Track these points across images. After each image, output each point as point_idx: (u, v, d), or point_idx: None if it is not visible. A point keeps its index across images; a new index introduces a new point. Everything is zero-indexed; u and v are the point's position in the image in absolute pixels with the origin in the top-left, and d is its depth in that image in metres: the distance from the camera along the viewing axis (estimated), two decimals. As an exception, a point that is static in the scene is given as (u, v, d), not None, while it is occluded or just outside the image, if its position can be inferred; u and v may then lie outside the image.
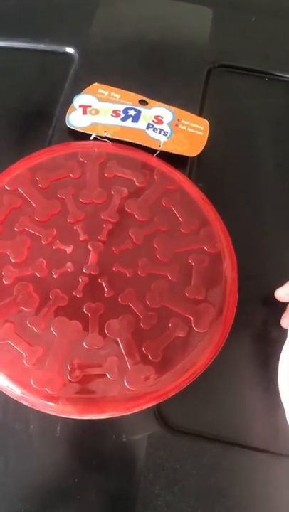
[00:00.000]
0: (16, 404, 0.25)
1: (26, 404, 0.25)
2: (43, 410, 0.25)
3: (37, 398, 0.24)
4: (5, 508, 0.24)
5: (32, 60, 0.37)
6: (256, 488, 0.25)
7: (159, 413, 0.26)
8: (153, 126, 0.32)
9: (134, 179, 0.29)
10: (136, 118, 0.32)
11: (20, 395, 0.24)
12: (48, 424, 0.25)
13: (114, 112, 0.33)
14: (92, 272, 0.27)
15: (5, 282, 0.26)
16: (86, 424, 0.26)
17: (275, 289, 0.28)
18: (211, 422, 0.26)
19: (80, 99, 0.33)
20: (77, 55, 0.37)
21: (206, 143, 0.32)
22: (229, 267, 0.28)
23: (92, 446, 0.26)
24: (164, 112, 0.33)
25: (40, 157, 0.30)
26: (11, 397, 0.25)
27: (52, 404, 0.24)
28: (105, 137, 0.31)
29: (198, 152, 0.32)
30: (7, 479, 0.25)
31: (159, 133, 0.32)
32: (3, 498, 0.24)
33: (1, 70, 0.36)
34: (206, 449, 0.26)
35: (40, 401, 0.24)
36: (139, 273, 0.27)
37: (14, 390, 0.24)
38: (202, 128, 0.33)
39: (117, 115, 0.32)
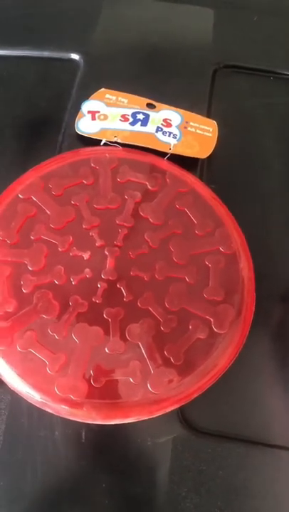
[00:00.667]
0: (40, 412, 0.25)
1: (51, 411, 0.25)
2: (68, 417, 0.25)
3: (61, 405, 0.24)
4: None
5: (38, 68, 0.36)
6: (282, 486, 0.25)
7: (183, 415, 0.26)
8: (162, 129, 0.32)
9: (147, 183, 0.30)
10: (145, 122, 0.32)
11: (45, 402, 0.24)
12: (72, 430, 0.26)
13: (123, 116, 0.33)
14: (110, 277, 0.27)
15: (24, 291, 0.26)
16: (110, 429, 0.26)
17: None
18: (234, 422, 0.27)
19: (88, 105, 0.33)
20: (82, 61, 0.37)
21: (216, 144, 0.32)
22: (246, 267, 0.28)
23: (118, 450, 0.26)
24: (172, 114, 0.33)
25: (52, 165, 0.30)
26: (35, 405, 0.25)
27: (77, 410, 0.24)
28: (115, 142, 0.32)
29: (209, 153, 0.32)
30: (35, 486, 0.25)
31: (169, 136, 0.32)
32: (31, 506, 0.25)
33: (7, 79, 0.36)
34: (230, 450, 0.26)
35: (64, 408, 0.24)
36: (156, 276, 0.27)
37: (38, 398, 0.24)
38: (211, 129, 0.33)
39: (126, 120, 0.33)
